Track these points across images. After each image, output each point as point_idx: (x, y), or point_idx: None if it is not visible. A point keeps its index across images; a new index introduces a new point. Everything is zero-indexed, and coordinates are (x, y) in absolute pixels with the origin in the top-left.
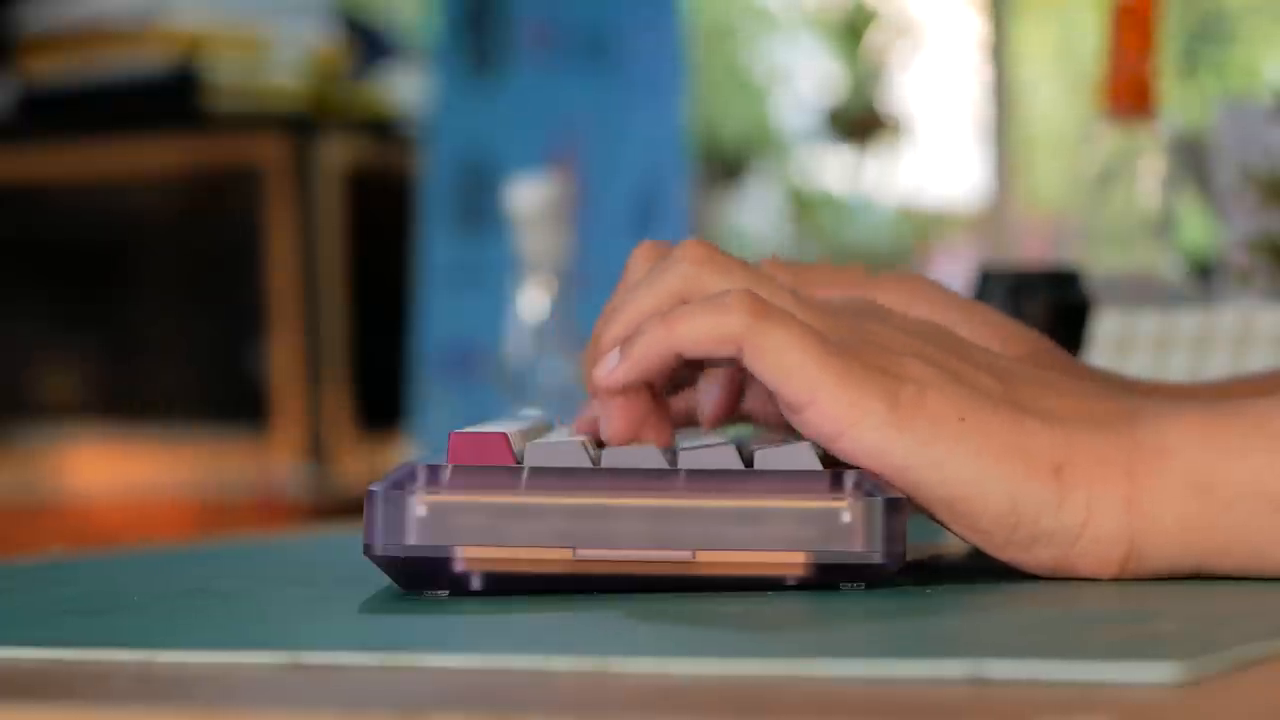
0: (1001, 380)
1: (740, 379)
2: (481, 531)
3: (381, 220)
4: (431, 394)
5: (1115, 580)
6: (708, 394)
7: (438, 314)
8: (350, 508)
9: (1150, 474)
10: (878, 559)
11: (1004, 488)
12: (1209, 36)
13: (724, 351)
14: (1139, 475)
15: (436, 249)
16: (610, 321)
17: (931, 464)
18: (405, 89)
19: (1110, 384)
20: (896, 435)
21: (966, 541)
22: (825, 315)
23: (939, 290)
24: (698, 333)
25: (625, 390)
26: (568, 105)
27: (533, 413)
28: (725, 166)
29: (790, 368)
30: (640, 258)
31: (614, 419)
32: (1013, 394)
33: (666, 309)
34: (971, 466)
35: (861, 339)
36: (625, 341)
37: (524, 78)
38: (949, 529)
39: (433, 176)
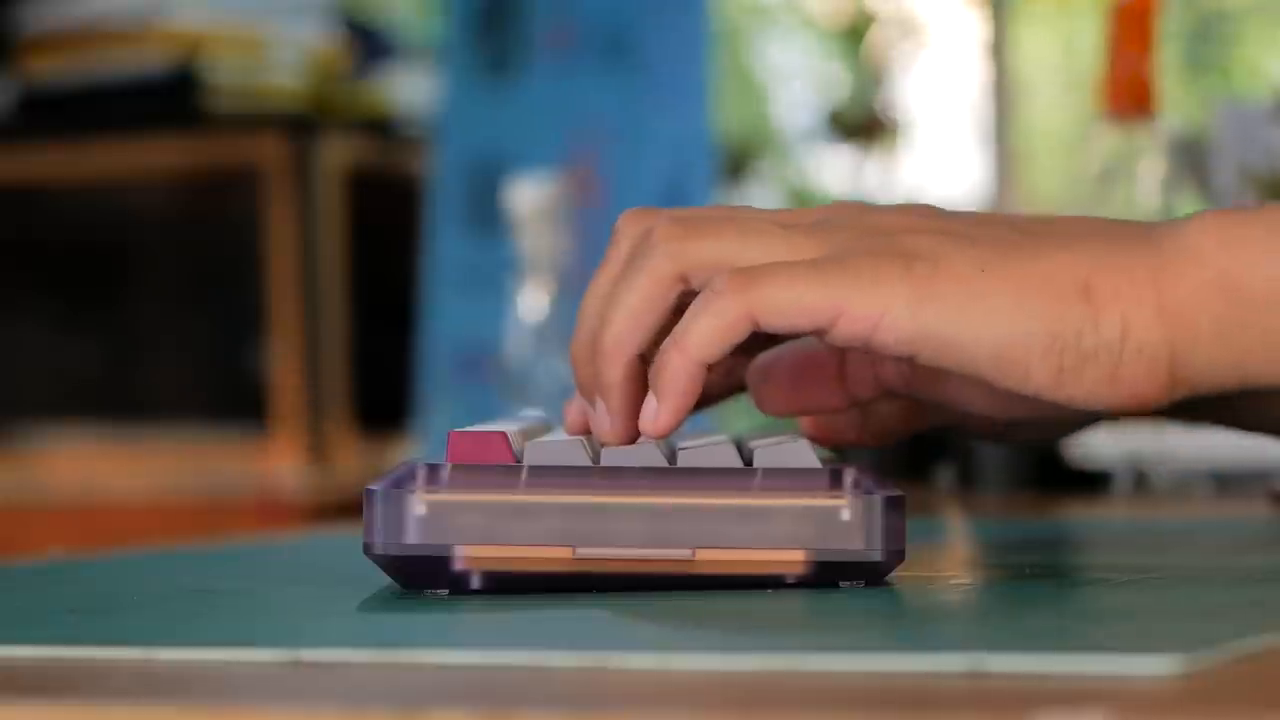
0: (1005, 226)
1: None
2: (481, 530)
3: (382, 220)
4: (440, 396)
5: (1166, 399)
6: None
7: (447, 316)
8: (350, 508)
9: (1176, 281)
10: (877, 556)
11: (1041, 323)
12: (1209, 36)
13: (742, 334)
14: (1165, 284)
15: (446, 251)
16: (608, 322)
17: (969, 325)
18: (406, 89)
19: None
20: (927, 310)
21: (1026, 394)
22: (812, 231)
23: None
24: (710, 337)
25: (628, 391)
26: (586, 107)
27: (533, 413)
28: (725, 166)
29: (804, 303)
30: (627, 228)
31: (617, 422)
32: (1022, 234)
33: (669, 297)
34: (1006, 314)
35: (855, 234)
36: (657, 386)
37: (540, 79)
38: (1004, 388)
39: (443, 178)
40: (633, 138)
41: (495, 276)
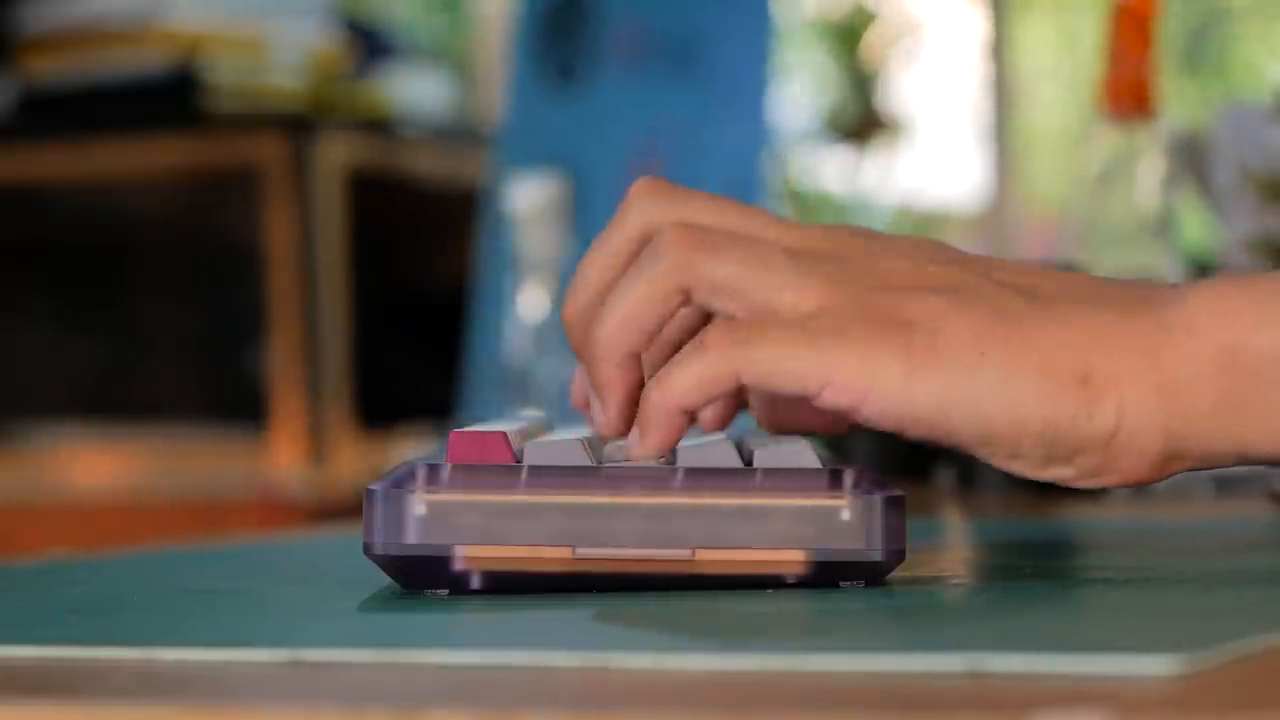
0: (1010, 287)
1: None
2: (481, 530)
3: (381, 220)
4: (487, 404)
5: (1159, 477)
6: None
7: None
8: (350, 508)
9: (1176, 357)
10: (877, 556)
11: (1035, 410)
12: (1209, 36)
13: (726, 389)
14: (1166, 361)
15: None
16: (603, 323)
17: (959, 405)
18: (405, 89)
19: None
20: (918, 387)
21: (1007, 470)
22: (819, 265)
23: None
24: (694, 385)
25: (622, 387)
26: (652, 114)
27: (533, 413)
28: None
29: (794, 371)
30: (639, 201)
31: (613, 419)
32: (1027, 299)
33: (669, 306)
34: (999, 397)
35: (861, 289)
36: (638, 420)
37: (608, 87)
38: (988, 461)
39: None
40: (696, 145)
41: None
